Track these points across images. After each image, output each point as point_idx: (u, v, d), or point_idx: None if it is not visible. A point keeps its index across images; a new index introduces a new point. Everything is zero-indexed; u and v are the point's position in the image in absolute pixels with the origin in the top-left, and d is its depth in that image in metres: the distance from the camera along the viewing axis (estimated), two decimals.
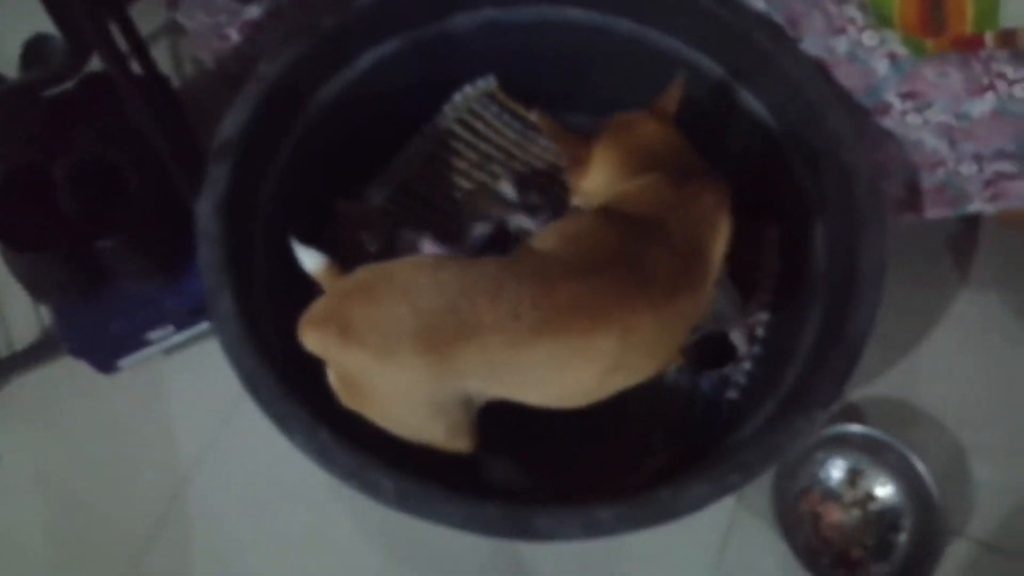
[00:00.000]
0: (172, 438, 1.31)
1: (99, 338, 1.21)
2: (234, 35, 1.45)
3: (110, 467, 1.29)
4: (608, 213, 0.98)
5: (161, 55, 1.67)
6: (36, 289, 1.19)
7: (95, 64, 0.98)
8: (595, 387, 0.93)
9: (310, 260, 0.97)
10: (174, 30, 1.68)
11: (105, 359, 1.27)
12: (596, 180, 1.05)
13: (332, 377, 0.94)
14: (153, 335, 1.26)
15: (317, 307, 0.92)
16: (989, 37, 0.97)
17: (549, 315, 0.86)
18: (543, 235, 0.98)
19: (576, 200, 1.12)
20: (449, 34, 1.28)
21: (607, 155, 1.04)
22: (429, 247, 1.23)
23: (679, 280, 0.92)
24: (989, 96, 1.04)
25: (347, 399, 0.94)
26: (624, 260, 0.91)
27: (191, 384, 1.35)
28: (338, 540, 1.23)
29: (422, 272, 0.89)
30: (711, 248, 0.96)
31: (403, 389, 0.89)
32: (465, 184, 1.38)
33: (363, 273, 0.93)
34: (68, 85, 1.18)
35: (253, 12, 1.42)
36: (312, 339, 0.91)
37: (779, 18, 1.13)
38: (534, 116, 1.17)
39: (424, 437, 0.96)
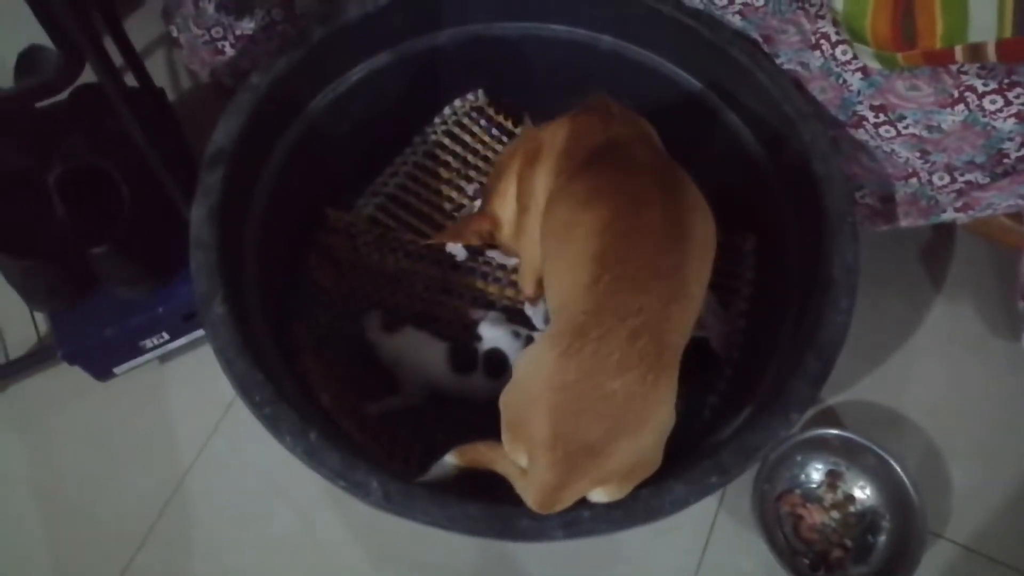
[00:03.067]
0: (167, 444, 1.32)
1: (93, 345, 1.23)
2: (228, 48, 1.47)
3: (105, 473, 1.30)
4: (580, 176, 1.02)
5: (158, 67, 1.70)
6: (30, 296, 1.21)
7: (88, 75, 1.00)
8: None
9: (442, 468, 0.99)
10: (171, 42, 1.71)
11: (100, 366, 1.29)
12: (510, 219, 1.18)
13: (606, 494, 0.90)
14: (148, 342, 1.28)
15: (542, 481, 0.87)
16: (959, 51, 0.99)
17: (665, 243, 0.92)
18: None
19: (511, 248, 1.24)
20: (438, 49, 1.31)
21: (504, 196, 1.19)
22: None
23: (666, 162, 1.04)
24: (959, 108, 1.07)
25: (627, 488, 0.91)
26: (640, 172, 0.99)
27: (186, 390, 1.37)
28: (329, 541, 1.25)
29: (571, 352, 0.88)
30: (651, 134, 1.09)
31: (666, 422, 0.92)
32: (453, 195, 1.41)
33: (539, 419, 0.88)
34: (62, 96, 1.21)
35: (247, 26, 1.45)
36: (572, 497, 0.88)
37: (755, 34, 1.16)
38: (522, 129, 1.23)
39: None
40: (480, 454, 0.98)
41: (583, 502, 0.89)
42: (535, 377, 0.92)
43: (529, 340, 1.19)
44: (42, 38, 0.98)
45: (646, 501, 0.89)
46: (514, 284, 1.32)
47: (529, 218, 1.11)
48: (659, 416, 0.90)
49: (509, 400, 0.95)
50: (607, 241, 0.93)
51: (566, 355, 0.88)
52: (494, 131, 1.45)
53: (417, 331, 1.21)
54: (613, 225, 0.93)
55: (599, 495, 0.90)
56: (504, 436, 0.95)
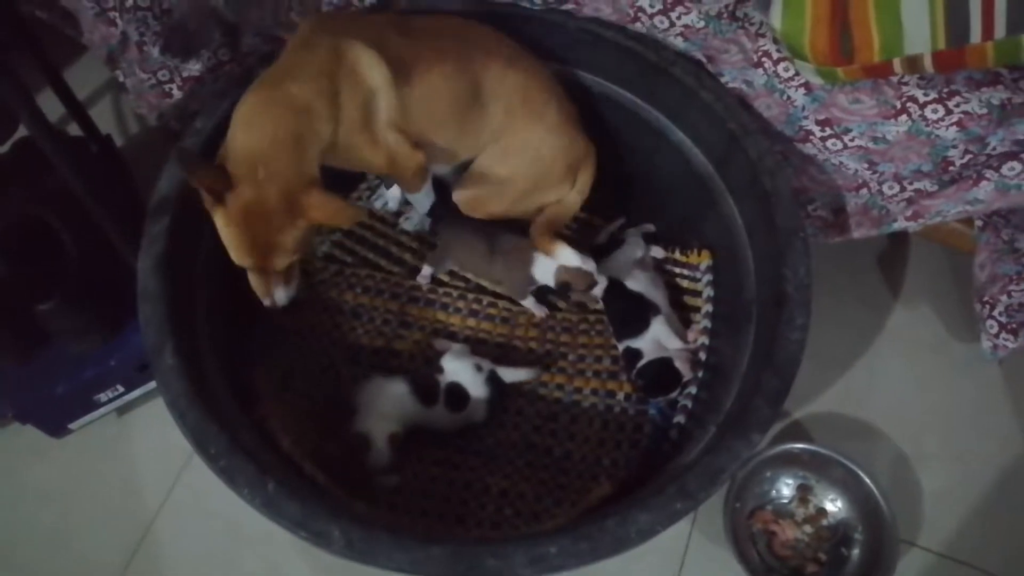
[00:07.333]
0: (129, 497, 1.29)
1: (45, 402, 1.20)
2: (176, 91, 1.45)
3: (66, 530, 1.27)
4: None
5: (106, 113, 1.68)
6: None
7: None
8: None
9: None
10: (118, 87, 1.69)
11: (54, 423, 1.26)
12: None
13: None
14: (102, 396, 1.25)
15: None
16: (897, 63, 1.01)
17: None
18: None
19: None
20: None
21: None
22: None
23: None
24: (903, 119, 1.08)
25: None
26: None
27: (146, 441, 1.34)
28: None
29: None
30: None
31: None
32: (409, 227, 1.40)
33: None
34: (4, 148, 1.19)
35: (193, 67, 1.44)
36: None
37: (698, 54, 1.17)
38: None
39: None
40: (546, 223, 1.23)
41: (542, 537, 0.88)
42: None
43: (491, 374, 1.18)
44: None
45: (612, 532, 0.88)
46: (475, 314, 1.31)
47: (369, 134, 1.12)
48: None
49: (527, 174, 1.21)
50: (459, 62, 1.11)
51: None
52: None
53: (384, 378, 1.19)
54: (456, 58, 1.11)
55: None
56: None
